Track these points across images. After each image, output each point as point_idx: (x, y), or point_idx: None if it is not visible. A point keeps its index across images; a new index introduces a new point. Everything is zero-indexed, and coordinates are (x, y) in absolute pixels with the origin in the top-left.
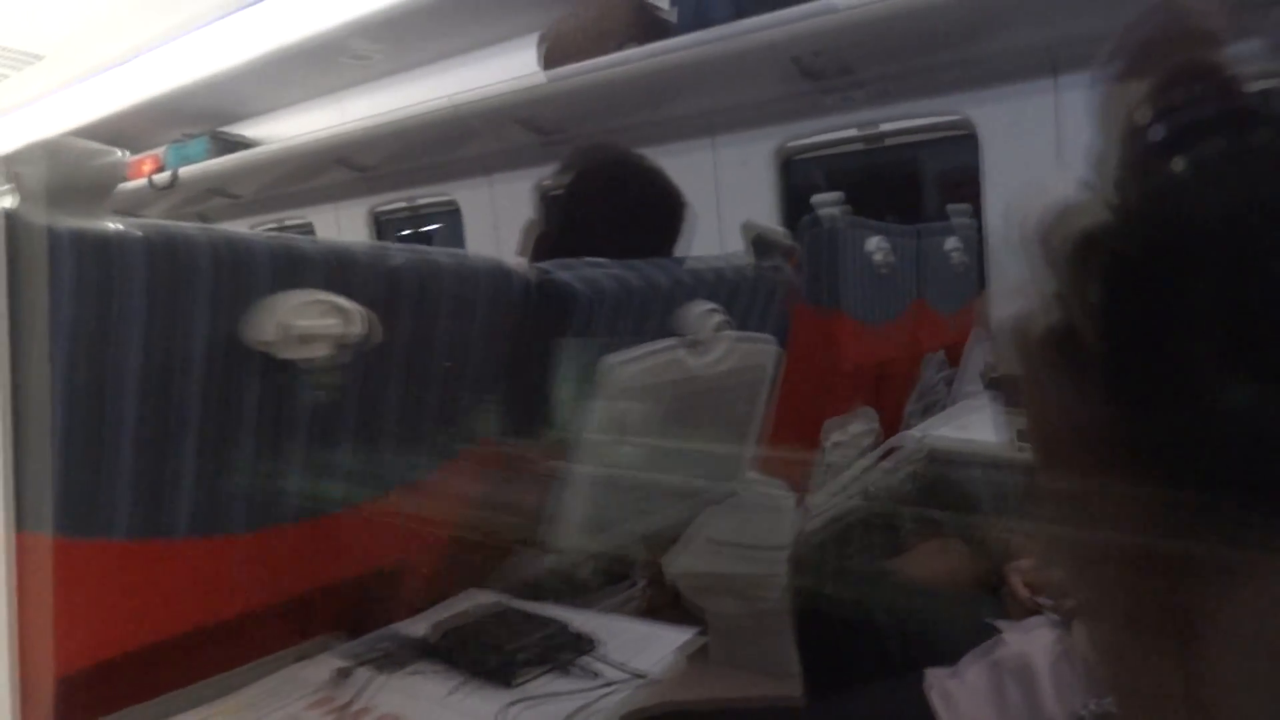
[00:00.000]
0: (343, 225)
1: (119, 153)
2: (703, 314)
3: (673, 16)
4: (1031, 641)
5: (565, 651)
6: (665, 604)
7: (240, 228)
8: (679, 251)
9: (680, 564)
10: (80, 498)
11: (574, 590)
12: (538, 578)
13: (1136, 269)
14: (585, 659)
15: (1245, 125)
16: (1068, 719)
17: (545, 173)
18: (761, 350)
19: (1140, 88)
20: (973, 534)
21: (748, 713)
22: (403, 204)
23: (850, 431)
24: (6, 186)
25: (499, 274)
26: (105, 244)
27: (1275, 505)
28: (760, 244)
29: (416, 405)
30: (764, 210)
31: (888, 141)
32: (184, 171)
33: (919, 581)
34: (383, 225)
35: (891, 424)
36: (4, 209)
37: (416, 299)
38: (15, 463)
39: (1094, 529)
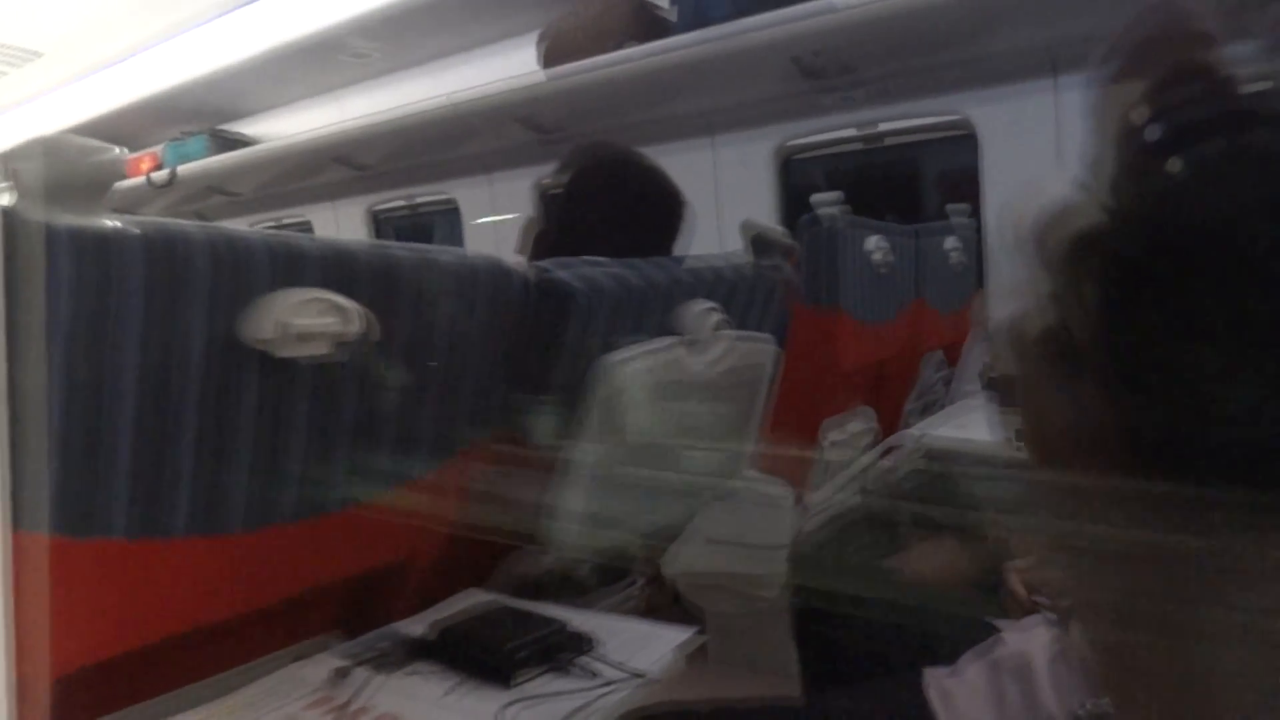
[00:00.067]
0: (341, 223)
1: (117, 150)
2: (702, 313)
3: (672, 15)
4: (1030, 640)
5: (564, 651)
6: (664, 603)
7: (239, 226)
8: (678, 250)
9: (679, 563)
10: (77, 497)
11: (572, 589)
12: (536, 576)
13: (1131, 270)
14: (584, 658)
15: (1241, 126)
16: (1066, 718)
17: (544, 171)
18: (760, 349)
19: (1136, 89)
20: (971, 533)
21: (746, 712)
22: (401, 202)
23: (849, 430)
24: (4, 184)
25: (498, 272)
26: (103, 242)
27: (1269, 503)
28: (759, 243)
29: (414, 404)
30: (763, 209)
31: (887, 141)
32: (182, 169)
33: (917, 580)
34: (381, 224)
35: (890, 423)
36: (2, 206)
37: (415, 297)
38: (12, 462)
39: (1089, 528)
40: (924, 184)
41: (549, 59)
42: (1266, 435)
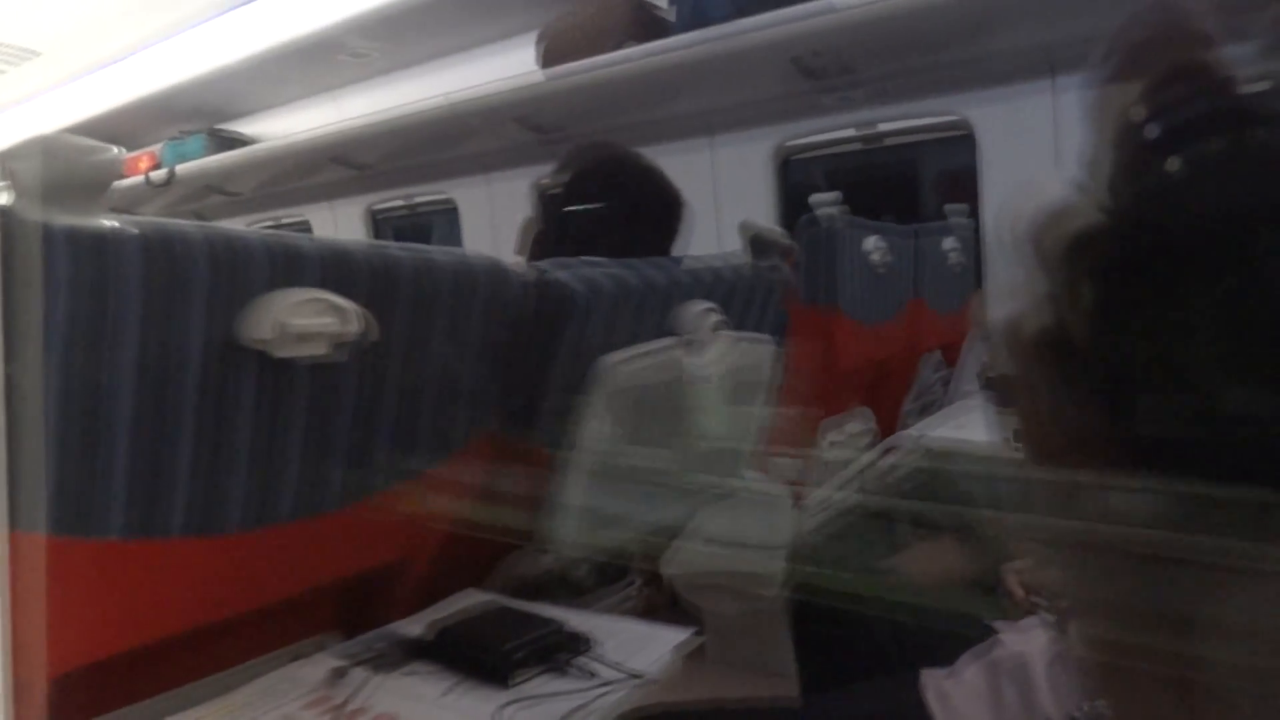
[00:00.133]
0: (340, 223)
1: (115, 149)
2: (700, 313)
3: (671, 15)
4: (1028, 642)
5: (561, 651)
6: (662, 603)
7: (237, 225)
8: (677, 251)
9: (677, 563)
10: (75, 497)
11: (570, 590)
12: (534, 577)
13: (1128, 270)
14: (581, 659)
15: (1238, 126)
16: None
17: (543, 171)
18: (759, 350)
19: (1134, 88)
20: (969, 534)
21: (744, 712)
22: (400, 202)
23: (847, 431)
24: (2, 183)
25: (497, 273)
26: (101, 241)
27: (1267, 502)
28: (758, 243)
29: (412, 404)
30: (762, 210)
31: (886, 141)
32: (181, 169)
33: (915, 581)
34: (380, 224)
35: (889, 423)
36: None
37: (413, 297)
38: (9, 461)
39: (1086, 529)
40: (922, 184)
41: (547, 59)
42: (1264, 434)
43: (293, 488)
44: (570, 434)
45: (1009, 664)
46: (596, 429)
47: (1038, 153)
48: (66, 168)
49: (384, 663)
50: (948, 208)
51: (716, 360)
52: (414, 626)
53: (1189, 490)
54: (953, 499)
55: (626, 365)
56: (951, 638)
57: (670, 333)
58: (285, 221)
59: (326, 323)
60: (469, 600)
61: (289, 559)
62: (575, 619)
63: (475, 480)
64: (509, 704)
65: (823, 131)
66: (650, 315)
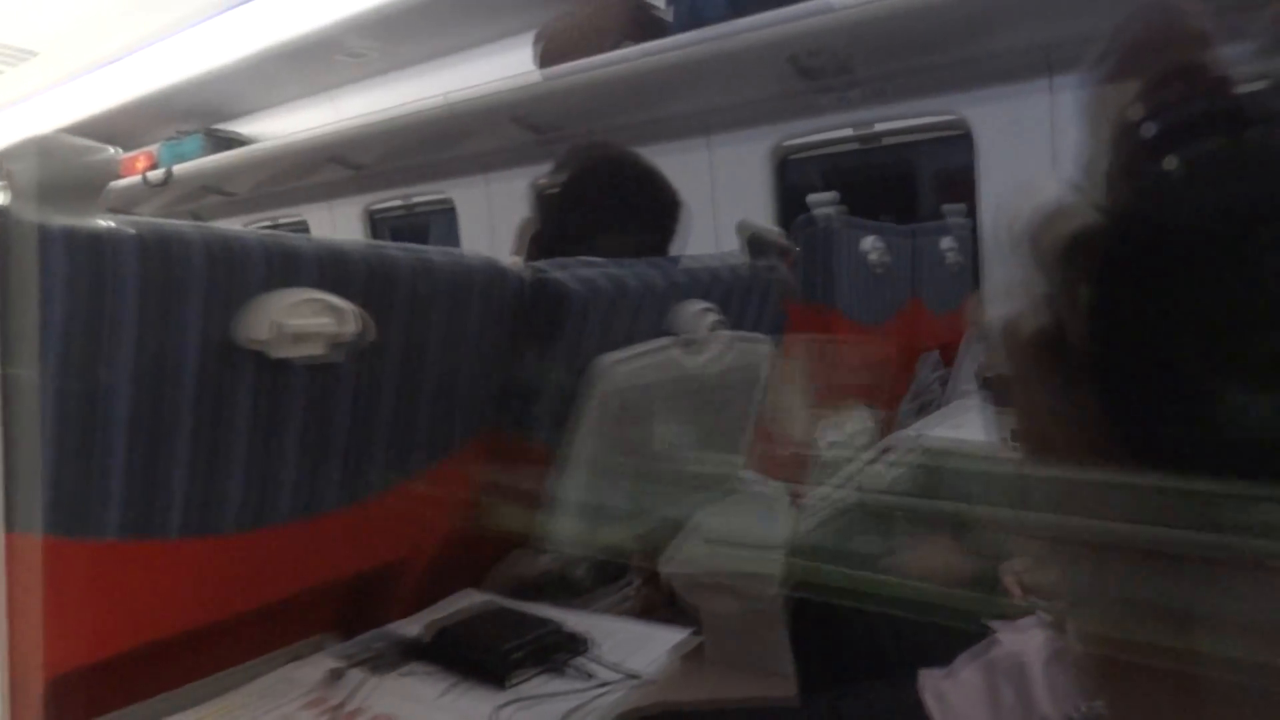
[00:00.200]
0: (337, 224)
1: (112, 150)
2: (698, 313)
3: (669, 15)
4: (1026, 642)
5: (559, 652)
6: (660, 604)
7: (234, 225)
8: (674, 250)
9: (675, 563)
10: (71, 497)
11: (568, 590)
12: (532, 577)
13: (1125, 270)
14: (579, 659)
15: (1235, 125)
16: None
17: (541, 171)
18: (756, 350)
19: (1131, 88)
20: (967, 534)
21: (743, 712)
22: (398, 202)
23: (845, 430)
24: None
25: (494, 273)
26: (97, 242)
27: (1265, 502)
28: (755, 243)
29: (410, 405)
30: (759, 209)
31: (883, 141)
32: (178, 169)
33: (913, 581)
34: (377, 224)
35: (886, 423)
36: None
37: (411, 298)
38: (6, 462)
39: (1083, 528)
40: (920, 184)
41: (545, 59)
42: (1261, 433)
43: (290, 488)
44: (567, 434)
45: (1006, 664)
46: (594, 429)
47: (1035, 152)
48: (63, 168)
49: (382, 663)
50: (945, 208)
51: (714, 360)
52: (412, 627)
53: (1186, 488)
54: (951, 499)
55: (624, 365)
56: (949, 637)
57: (668, 333)
58: (283, 222)
59: (323, 323)
60: (467, 601)
61: (286, 559)
62: (573, 619)
63: (473, 480)
64: (507, 704)
65: (820, 131)
66: (648, 315)
